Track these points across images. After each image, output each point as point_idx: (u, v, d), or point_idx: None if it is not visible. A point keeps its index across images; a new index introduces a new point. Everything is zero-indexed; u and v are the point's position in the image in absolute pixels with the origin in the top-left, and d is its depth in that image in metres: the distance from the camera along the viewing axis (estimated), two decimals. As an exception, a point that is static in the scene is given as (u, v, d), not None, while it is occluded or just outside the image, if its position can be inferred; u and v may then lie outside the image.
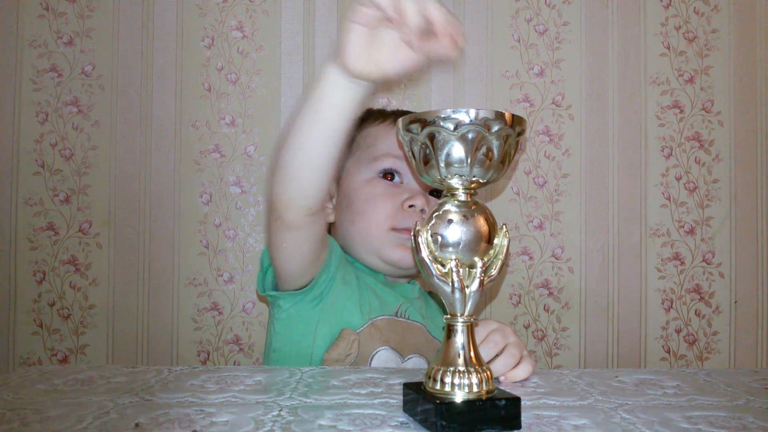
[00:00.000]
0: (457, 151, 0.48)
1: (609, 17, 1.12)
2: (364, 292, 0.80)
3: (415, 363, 0.78)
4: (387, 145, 0.86)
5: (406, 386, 0.52)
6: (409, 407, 0.51)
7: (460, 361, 0.50)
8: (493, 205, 1.10)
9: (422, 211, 0.82)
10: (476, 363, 0.50)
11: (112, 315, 1.08)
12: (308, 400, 0.55)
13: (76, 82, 1.08)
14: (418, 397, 0.49)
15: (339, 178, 0.88)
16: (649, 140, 1.12)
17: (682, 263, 1.12)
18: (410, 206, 0.82)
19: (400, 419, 0.50)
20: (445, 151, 0.49)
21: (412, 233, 0.52)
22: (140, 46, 1.08)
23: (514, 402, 0.48)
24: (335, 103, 0.62)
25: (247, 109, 1.09)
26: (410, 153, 0.52)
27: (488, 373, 0.50)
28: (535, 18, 1.11)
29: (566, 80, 1.11)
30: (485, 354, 0.65)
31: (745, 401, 0.57)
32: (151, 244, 1.08)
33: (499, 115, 0.48)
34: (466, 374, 0.49)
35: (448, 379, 0.49)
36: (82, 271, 1.07)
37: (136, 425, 0.48)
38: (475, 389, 0.48)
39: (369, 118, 0.91)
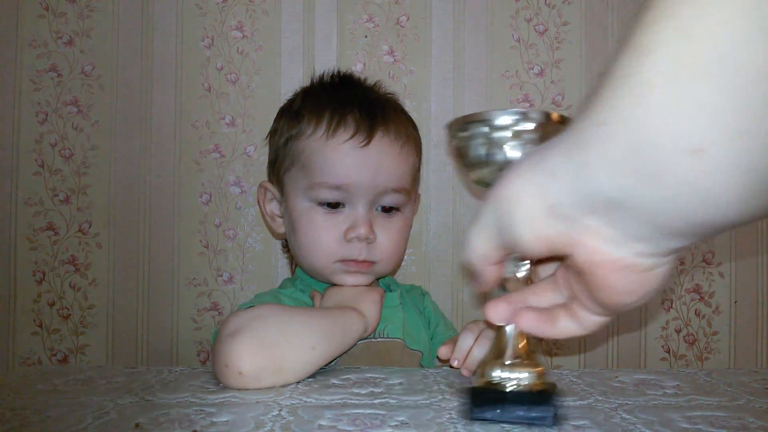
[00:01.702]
0: (513, 151, 0.49)
1: (609, 17, 1.12)
2: None
3: None
4: (322, 170, 0.79)
5: (463, 390, 0.52)
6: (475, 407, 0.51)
7: (510, 353, 0.50)
8: (492, 205, 1.10)
9: (367, 238, 0.79)
10: (526, 356, 0.50)
11: (111, 315, 1.08)
12: (308, 400, 0.55)
13: (75, 82, 1.08)
14: (475, 392, 0.50)
15: (281, 188, 0.85)
16: (649, 140, 1.12)
17: (682, 263, 1.12)
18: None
19: (400, 419, 0.50)
20: (499, 152, 0.49)
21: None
22: (140, 46, 1.08)
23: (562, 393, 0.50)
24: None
25: (247, 109, 1.09)
26: (457, 153, 0.52)
27: (539, 368, 0.50)
28: (535, 18, 1.11)
29: (566, 80, 1.11)
30: (483, 351, 0.65)
31: (745, 401, 0.57)
32: (151, 244, 1.08)
33: (551, 115, 0.48)
34: (517, 367, 0.50)
35: (497, 372, 0.50)
36: (82, 271, 1.07)
37: (137, 425, 0.48)
38: (525, 382, 0.49)
39: (302, 115, 0.82)
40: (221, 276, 1.09)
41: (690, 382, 0.64)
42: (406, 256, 1.09)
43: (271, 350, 0.60)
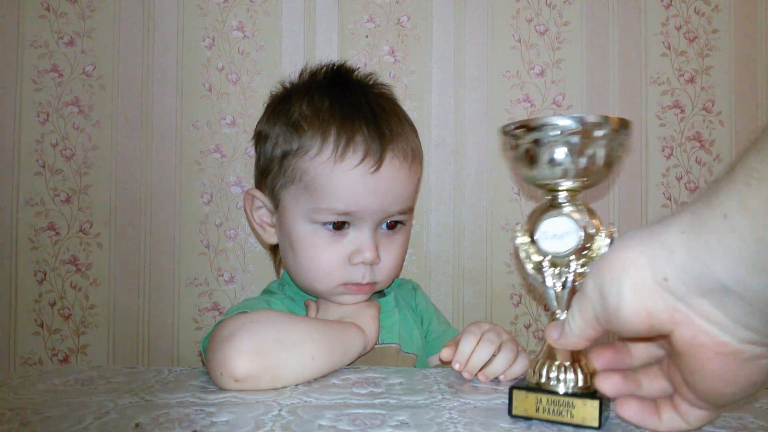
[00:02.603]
0: (562, 155, 0.50)
1: (610, 17, 1.12)
2: None
3: None
4: (329, 195, 0.75)
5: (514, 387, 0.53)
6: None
7: (563, 355, 0.51)
8: (494, 206, 1.10)
9: (372, 263, 0.77)
10: (578, 358, 0.51)
11: (112, 315, 1.08)
12: (308, 400, 0.55)
13: (76, 82, 1.08)
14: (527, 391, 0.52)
15: (276, 201, 0.81)
16: (650, 140, 1.12)
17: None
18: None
19: (400, 419, 0.50)
20: (549, 156, 0.50)
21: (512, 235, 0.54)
22: (141, 47, 1.09)
23: (594, 401, 0.50)
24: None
25: (248, 110, 1.09)
26: (509, 155, 0.54)
27: (591, 369, 0.51)
28: (535, 18, 1.11)
29: (567, 80, 1.11)
30: (484, 354, 0.65)
31: (745, 401, 0.57)
32: (152, 244, 1.08)
33: (605, 120, 0.49)
34: (569, 369, 0.51)
35: (553, 374, 0.51)
36: (83, 271, 1.08)
37: (137, 425, 0.48)
38: (574, 384, 0.50)
39: (303, 128, 0.77)
40: (222, 276, 1.09)
41: (690, 383, 0.63)
42: (407, 256, 1.09)
43: (267, 357, 0.59)
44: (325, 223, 0.76)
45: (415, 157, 0.81)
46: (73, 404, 0.53)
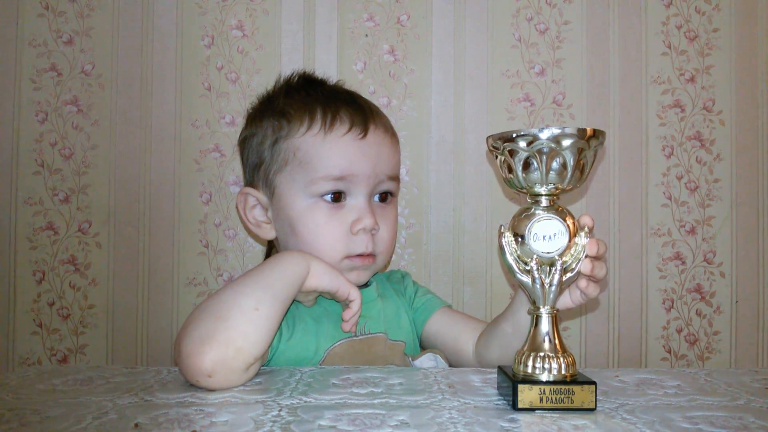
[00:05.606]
0: (533, 163, 0.55)
1: (610, 16, 1.12)
2: (321, 322, 0.78)
3: None
4: (323, 164, 0.78)
5: (500, 368, 0.59)
6: (503, 390, 0.57)
7: (546, 346, 0.55)
8: (495, 207, 1.10)
9: (372, 229, 0.79)
10: (559, 349, 0.55)
11: (111, 315, 1.08)
12: (308, 400, 0.55)
13: (75, 81, 1.08)
14: (509, 379, 0.55)
15: (272, 190, 0.82)
16: (650, 139, 1.12)
17: (683, 263, 1.12)
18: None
19: (400, 419, 0.50)
20: (522, 164, 0.55)
21: (497, 233, 0.58)
22: (140, 45, 1.08)
23: (591, 385, 0.53)
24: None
25: (247, 109, 1.08)
26: (495, 161, 0.59)
27: (570, 358, 0.55)
28: (536, 17, 1.11)
29: (567, 79, 1.11)
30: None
31: (746, 401, 0.57)
32: (151, 244, 1.08)
33: (572, 131, 0.53)
34: (551, 359, 0.54)
35: (538, 364, 0.54)
36: (82, 270, 1.07)
37: (136, 425, 0.48)
38: (557, 372, 0.54)
39: (289, 113, 0.81)
40: (221, 276, 1.08)
41: (690, 382, 0.63)
42: (407, 256, 1.09)
43: (216, 338, 0.59)
44: (323, 195, 0.79)
45: (393, 135, 0.86)
46: (72, 404, 0.53)
